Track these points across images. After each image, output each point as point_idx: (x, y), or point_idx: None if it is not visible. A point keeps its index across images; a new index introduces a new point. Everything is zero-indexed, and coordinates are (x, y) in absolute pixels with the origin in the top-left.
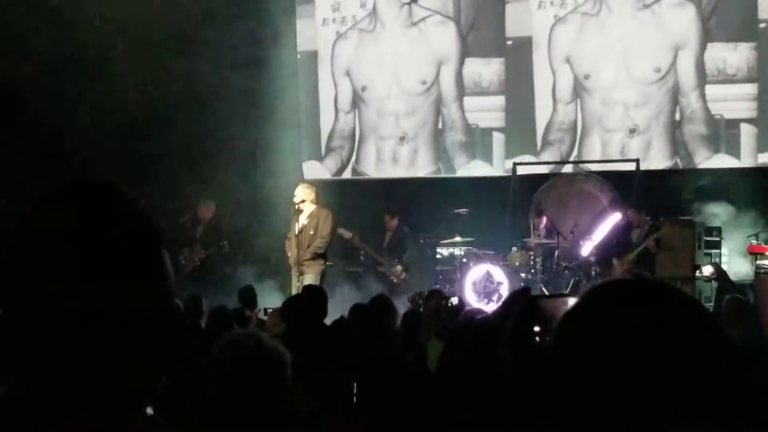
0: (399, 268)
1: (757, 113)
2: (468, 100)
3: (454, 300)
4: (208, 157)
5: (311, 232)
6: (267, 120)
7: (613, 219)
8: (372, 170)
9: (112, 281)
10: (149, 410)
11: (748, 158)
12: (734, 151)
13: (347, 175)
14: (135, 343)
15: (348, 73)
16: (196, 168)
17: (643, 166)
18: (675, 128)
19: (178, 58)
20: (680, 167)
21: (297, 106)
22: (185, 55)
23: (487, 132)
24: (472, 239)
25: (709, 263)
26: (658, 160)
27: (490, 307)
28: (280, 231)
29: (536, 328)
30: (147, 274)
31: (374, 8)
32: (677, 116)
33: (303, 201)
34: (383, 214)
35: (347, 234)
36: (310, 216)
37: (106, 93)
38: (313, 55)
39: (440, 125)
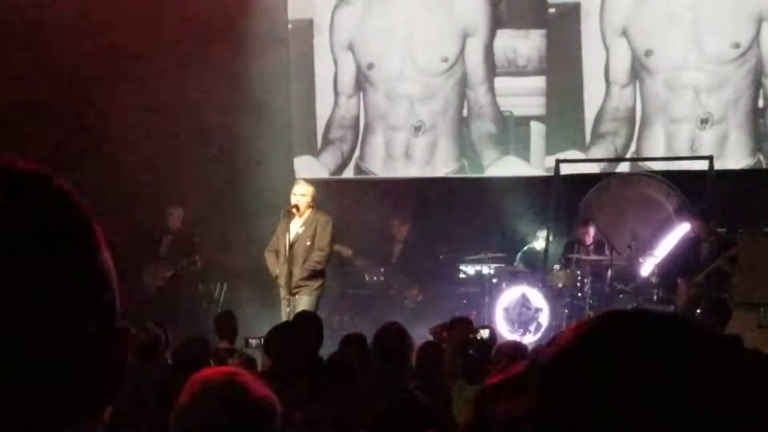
0: (415, 291)
1: None
2: (500, 82)
3: (484, 333)
4: (173, 152)
5: (307, 243)
6: (248, 105)
7: (681, 231)
8: (379, 168)
9: (22, 291)
10: None
11: None
12: None
13: (349, 173)
14: (58, 380)
15: (351, 47)
16: (158, 165)
17: (717, 165)
18: (758, 118)
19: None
20: (764, 166)
21: (287, 88)
22: (146, 27)
23: (524, 121)
24: (504, 254)
25: None
26: (736, 157)
27: (527, 339)
28: (266, 242)
29: None
30: (76, 282)
31: None
32: (760, 103)
33: (298, 204)
34: (390, 220)
35: (346, 251)
36: (305, 223)
37: (40, 66)
38: (308, 24)
39: (465, 112)
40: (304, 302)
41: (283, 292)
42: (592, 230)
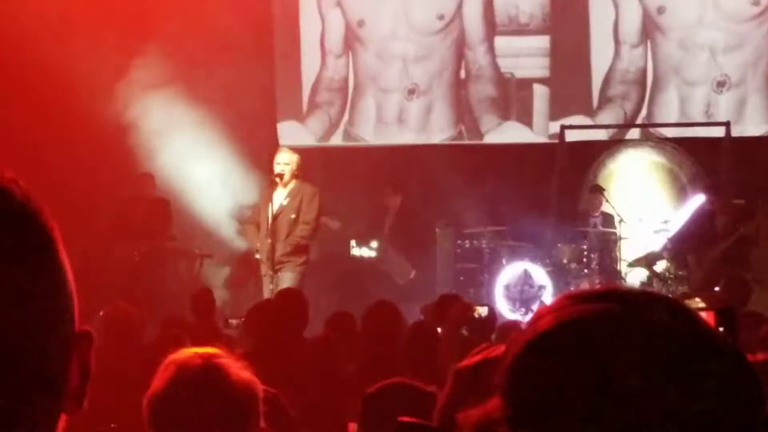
0: (409, 266)
1: None
2: (500, 41)
3: (482, 310)
4: (148, 114)
5: (292, 216)
6: (226, 65)
7: (695, 202)
8: (370, 134)
9: None
10: None
11: None
12: None
13: (337, 140)
14: (17, 387)
15: (339, 3)
16: (126, 128)
17: (734, 131)
18: None
19: None
20: None
21: (269, 47)
22: None
23: (526, 84)
24: (504, 228)
25: None
26: (755, 122)
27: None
28: (248, 214)
29: None
30: (33, 287)
31: None
32: None
33: (282, 173)
34: (383, 193)
35: (334, 224)
36: (290, 194)
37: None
38: None
39: (462, 74)
40: (287, 279)
41: (264, 268)
42: (600, 201)
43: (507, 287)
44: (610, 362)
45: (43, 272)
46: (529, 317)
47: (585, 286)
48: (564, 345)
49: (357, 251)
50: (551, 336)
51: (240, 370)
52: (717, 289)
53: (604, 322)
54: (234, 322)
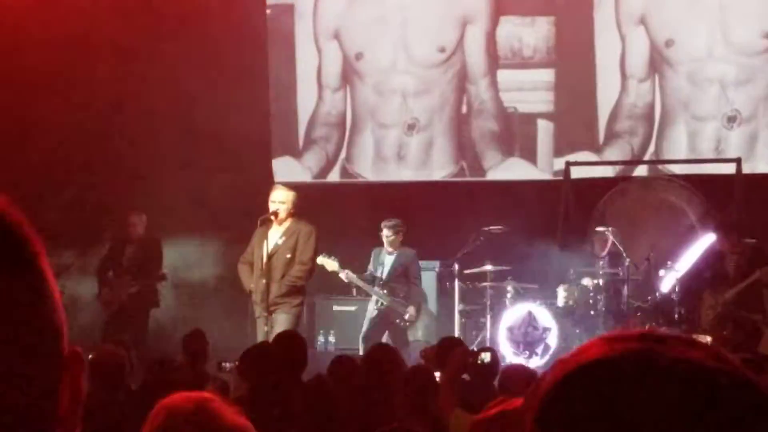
0: (412, 309)
1: None
2: (503, 75)
3: (485, 356)
4: (134, 150)
5: (287, 256)
6: (220, 100)
7: (705, 242)
8: (369, 170)
9: None
10: None
11: None
12: None
13: (334, 177)
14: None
15: (337, 35)
16: (118, 166)
17: (746, 168)
18: None
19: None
20: None
21: (264, 80)
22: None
23: (530, 119)
24: (508, 268)
25: None
26: (767, 159)
27: (534, 362)
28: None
29: None
30: (20, 305)
31: None
32: None
33: (277, 211)
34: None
35: (332, 265)
36: (286, 233)
37: None
38: (289, 10)
39: (464, 109)
40: (282, 321)
41: (258, 310)
42: (607, 240)
43: (510, 329)
44: (629, 408)
45: (24, 286)
46: (533, 360)
47: (595, 328)
48: (585, 388)
49: (355, 291)
50: (573, 379)
51: (234, 415)
52: (725, 333)
53: (627, 362)
54: (227, 365)
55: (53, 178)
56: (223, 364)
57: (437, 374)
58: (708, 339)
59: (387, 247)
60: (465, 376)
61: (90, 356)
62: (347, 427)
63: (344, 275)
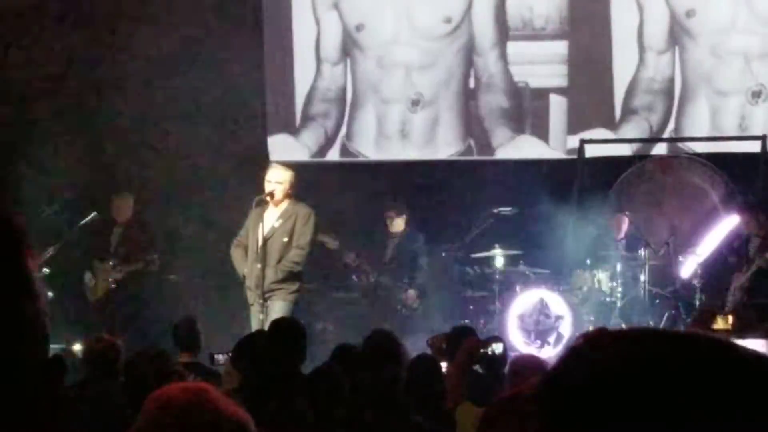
0: (412, 292)
1: None
2: (513, 47)
3: (497, 347)
4: (121, 129)
5: (284, 240)
6: (212, 74)
7: (729, 224)
8: (371, 149)
9: None
10: None
11: None
12: None
13: (334, 155)
14: None
15: (336, 5)
16: (104, 145)
17: None
18: None
19: None
20: None
21: (259, 54)
22: None
23: (542, 94)
24: (519, 252)
25: None
26: None
27: (546, 352)
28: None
29: None
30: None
31: None
32: None
33: (273, 192)
34: (384, 212)
35: (333, 243)
36: (283, 215)
37: None
38: None
39: (472, 83)
40: (278, 308)
41: (252, 296)
42: (624, 223)
43: (521, 317)
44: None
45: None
46: (545, 350)
47: (611, 317)
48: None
49: (355, 276)
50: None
51: (232, 406)
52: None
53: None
54: (221, 358)
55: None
56: (216, 356)
57: (444, 365)
58: (730, 320)
59: (391, 230)
60: (478, 368)
61: (82, 346)
62: (351, 422)
63: (347, 256)
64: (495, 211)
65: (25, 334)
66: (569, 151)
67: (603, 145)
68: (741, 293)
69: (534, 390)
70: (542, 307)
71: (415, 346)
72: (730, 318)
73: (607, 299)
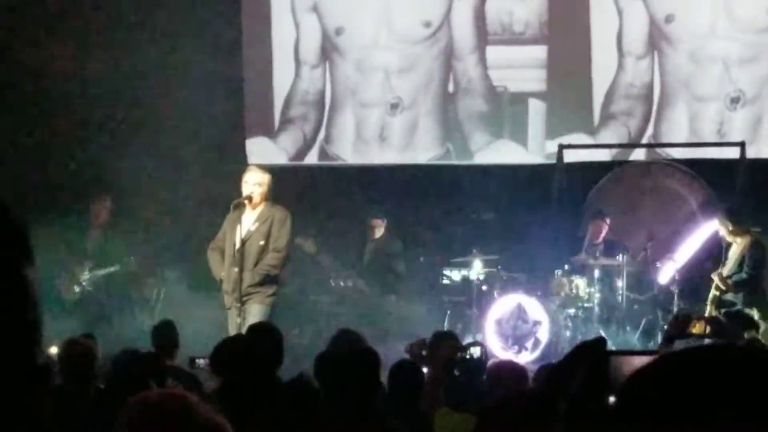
0: (392, 297)
1: None
2: (493, 51)
3: (475, 351)
4: (100, 131)
5: (261, 243)
6: (191, 77)
7: (707, 230)
8: (349, 153)
9: None
10: None
11: None
12: None
13: (312, 159)
14: None
15: (316, 8)
16: (84, 146)
17: (750, 153)
18: None
19: None
20: None
21: (237, 57)
22: None
23: (521, 98)
24: (496, 257)
25: None
26: None
27: (523, 357)
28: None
29: (610, 399)
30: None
31: None
32: None
33: (251, 195)
34: (364, 217)
35: (311, 247)
36: (260, 218)
37: None
38: None
39: (451, 87)
40: (255, 312)
41: (228, 300)
42: (603, 229)
43: (499, 322)
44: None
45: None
46: (522, 356)
47: (589, 322)
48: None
49: (333, 281)
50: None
51: (209, 412)
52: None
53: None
54: (201, 362)
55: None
56: (197, 360)
57: (424, 370)
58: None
59: (369, 234)
60: (456, 372)
61: (57, 349)
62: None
63: (324, 259)
64: (474, 216)
65: (20, 340)
66: (548, 156)
67: (582, 150)
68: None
69: (534, 390)
70: (520, 313)
71: (393, 350)
72: (705, 323)
73: (585, 305)
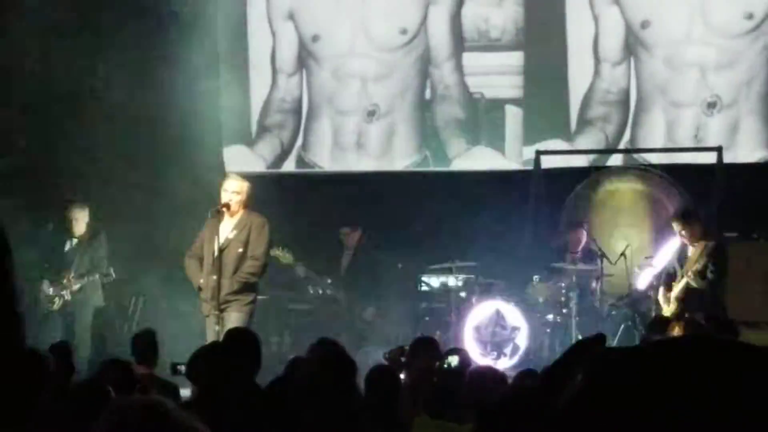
0: (371, 309)
1: None
2: (469, 58)
3: (454, 358)
4: (78, 139)
5: (239, 250)
6: (167, 84)
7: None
8: (326, 160)
9: None
10: None
11: None
12: None
13: (289, 166)
14: None
15: (292, 16)
16: (59, 155)
17: (727, 158)
18: None
19: None
20: None
21: (215, 64)
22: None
23: (498, 105)
24: (474, 264)
25: None
26: (749, 148)
27: (502, 363)
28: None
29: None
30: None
31: None
32: None
33: (229, 203)
34: (341, 224)
35: (287, 257)
36: (238, 226)
37: None
38: None
39: (428, 94)
40: (233, 319)
41: (206, 308)
42: (582, 236)
43: (477, 329)
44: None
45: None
46: (501, 362)
47: (567, 327)
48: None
49: (311, 288)
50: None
51: (188, 420)
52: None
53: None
54: (183, 368)
55: None
56: (179, 367)
57: (402, 376)
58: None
59: (346, 241)
60: (436, 380)
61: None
62: None
63: (299, 270)
64: (451, 223)
65: (10, 327)
66: (525, 162)
67: (559, 156)
68: (677, 304)
69: (533, 389)
70: (498, 319)
71: (371, 357)
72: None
73: (563, 310)
